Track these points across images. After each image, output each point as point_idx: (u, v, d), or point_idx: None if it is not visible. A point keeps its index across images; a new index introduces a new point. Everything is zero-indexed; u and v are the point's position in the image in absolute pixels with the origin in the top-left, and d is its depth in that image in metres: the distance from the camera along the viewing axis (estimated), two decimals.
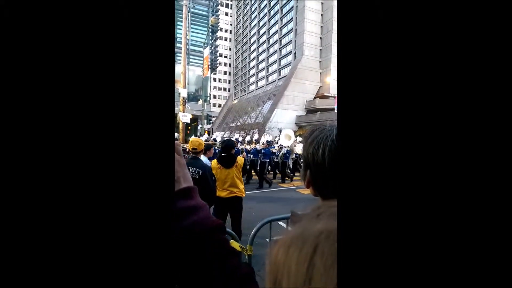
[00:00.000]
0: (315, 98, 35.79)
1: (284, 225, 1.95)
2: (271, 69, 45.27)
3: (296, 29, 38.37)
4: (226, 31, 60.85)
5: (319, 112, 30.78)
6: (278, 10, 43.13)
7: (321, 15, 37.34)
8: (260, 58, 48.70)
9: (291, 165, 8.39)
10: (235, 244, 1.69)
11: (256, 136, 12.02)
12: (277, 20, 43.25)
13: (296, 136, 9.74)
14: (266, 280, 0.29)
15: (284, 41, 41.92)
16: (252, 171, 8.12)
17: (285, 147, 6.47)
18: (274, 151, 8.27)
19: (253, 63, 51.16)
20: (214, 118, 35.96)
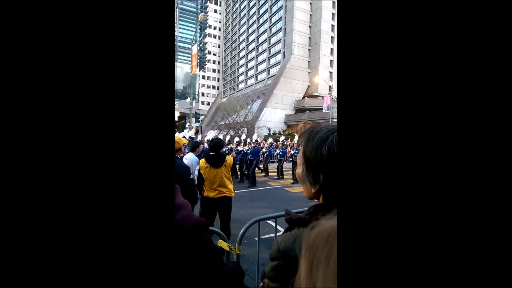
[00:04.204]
0: (303, 97, 36.20)
1: (273, 224, 1.98)
2: (260, 67, 45.29)
3: (285, 28, 38.55)
4: (215, 28, 60.17)
5: (307, 111, 31.16)
6: (267, 9, 43.13)
7: (310, 15, 37.71)
8: (250, 56, 48.57)
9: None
10: (223, 244, 1.69)
11: (243, 136, 12.65)
12: (267, 19, 43.26)
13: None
14: (301, 263, 0.30)
15: (273, 40, 42.02)
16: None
17: None
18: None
19: (242, 61, 50.96)
20: (202, 116, 35.56)
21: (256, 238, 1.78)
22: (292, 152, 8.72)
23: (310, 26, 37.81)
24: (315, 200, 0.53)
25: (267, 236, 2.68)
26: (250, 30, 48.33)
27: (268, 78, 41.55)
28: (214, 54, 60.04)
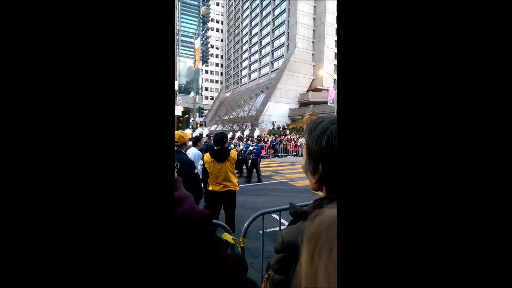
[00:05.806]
0: (308, 91, 35.83)
1: (277, 217, 1.98)
2: (263, 61, 44.83)
3: (288, 21, 37.92)
4: (217, 21, 59.53)
5: (312, 105, 30.89)
6: (270, 1, 42.41)
7: (314, 6, 36.98)
8: (253, 50, 48.06)
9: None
10: (228, 237, 1.70)
11: (247, 132, 12.12)
12: (270, 11, 42.58)
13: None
14: (302, 251, 0.30)
15: (276, 32, 41.43)
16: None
17: None
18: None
19: (245, 55, 50.47)
20: (206, 111, 35.58)
21: (261, 231, 1.79)
22: (251, 148, 7.24)
23: (314, 18, 37.10)
24: (319, 193, 0.54)
25: (272, 229, 2.70)
26: (253, 23, 47.69)
27: (271, 71, 41.17)
28: (217, 48, 59.56)
